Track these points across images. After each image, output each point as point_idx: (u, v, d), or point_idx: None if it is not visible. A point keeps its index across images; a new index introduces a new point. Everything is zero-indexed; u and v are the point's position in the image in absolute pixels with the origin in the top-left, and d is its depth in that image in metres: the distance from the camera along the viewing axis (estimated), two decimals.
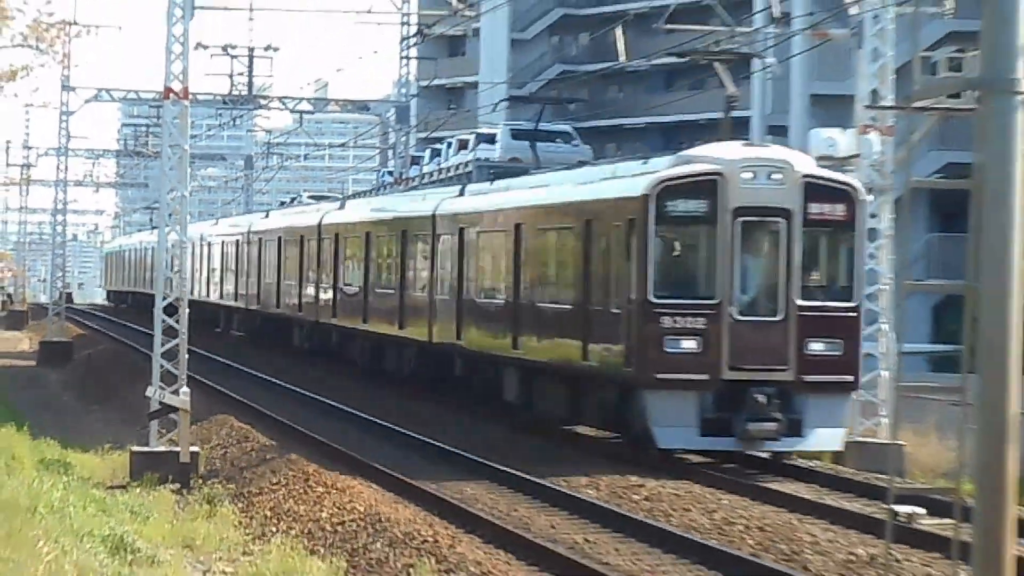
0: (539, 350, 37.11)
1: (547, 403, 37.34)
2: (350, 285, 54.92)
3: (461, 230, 42.79)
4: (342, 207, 63.05)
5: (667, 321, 30.90)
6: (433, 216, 44.87)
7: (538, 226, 38.06)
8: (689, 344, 30.22)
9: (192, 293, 48.64)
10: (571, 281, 35.46)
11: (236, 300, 72.46)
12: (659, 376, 30.59)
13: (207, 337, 60.37)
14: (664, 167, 33.07)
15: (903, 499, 16.72)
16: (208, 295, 77.05)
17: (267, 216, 76.84)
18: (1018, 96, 9.65)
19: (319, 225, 60.12)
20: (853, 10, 33.62)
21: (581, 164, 43.37)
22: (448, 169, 73.67)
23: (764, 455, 31.88)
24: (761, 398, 29.85)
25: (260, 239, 69.69)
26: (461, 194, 46.37)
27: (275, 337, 66.09)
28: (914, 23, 35.82)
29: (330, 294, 56.35)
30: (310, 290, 59.46)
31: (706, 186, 31.77)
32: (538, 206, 37.98)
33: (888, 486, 21.49)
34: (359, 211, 58.91)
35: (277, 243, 66.11)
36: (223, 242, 77.21)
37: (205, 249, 79.33)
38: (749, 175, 31.74)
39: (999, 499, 10.26)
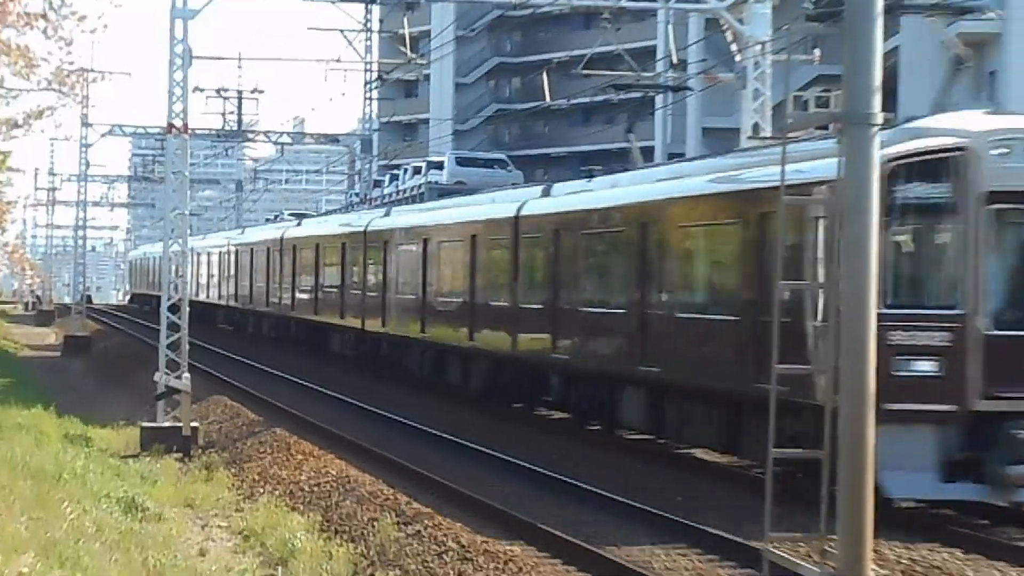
0: (677, 367, 27.19)
1: (691, 431, 27.73)
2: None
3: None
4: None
5: (897, 337, 20.86)
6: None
7: (678, 223, 27.66)
8: (927, 366, 20.40)
9: (192, 294, 48.83)
10: (735, 287, 25.61)
11: (225, 300, 72.96)
12: (889, 407, 17.15)
13: (204, 331, 59.99)
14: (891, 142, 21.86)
15: None
16: (206, 296, 77.22)
17: (243, 232, 77.87)
18: (874, 127, 9.74)
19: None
20: (738, 57, 33.68)
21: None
22: (405, 191, 74.08)
23: (1004, 504, 21.21)
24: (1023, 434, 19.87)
25: (237, 250, 71.25)
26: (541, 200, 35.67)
27: (258, 329, 66.69)
28: (787, 68, 35.60)
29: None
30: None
31: (947, 165, 21.78)
32: (691, 196, 26.84)
33: None
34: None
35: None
36: (213, 253, 77.71)
37: (201, 258, 79.64)
38: (1003, 150, 21.81)
39: None
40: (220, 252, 76.22)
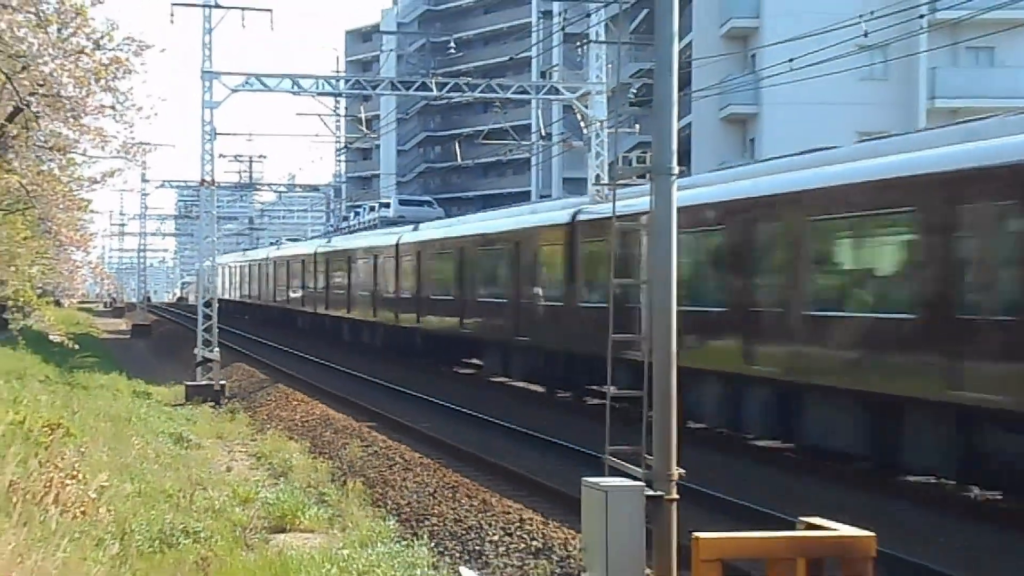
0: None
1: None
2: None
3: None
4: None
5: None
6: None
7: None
8: None
9: (221, 294, 48.66)
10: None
11: (248, 297, 72.39)
12: None
13: (231, 321, 59.31)
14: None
15: None
16: (233, 296, 76.96)
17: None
18: (672, 176, 9.77)
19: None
20: (585, 130, 33.78)
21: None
22: (364, 223, 74.30)
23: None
24: None
25: (249, 265, 70.88)
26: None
27: (266, 319, 66.00)
28: (616, 138, 35.58)
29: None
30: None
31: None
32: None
33: None
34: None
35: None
36: (236, 266, 77.20)
37: (228, 270, 79.23)
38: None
39: None
40: (238, 265, 75.98)
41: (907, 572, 11.11)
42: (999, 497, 14.43)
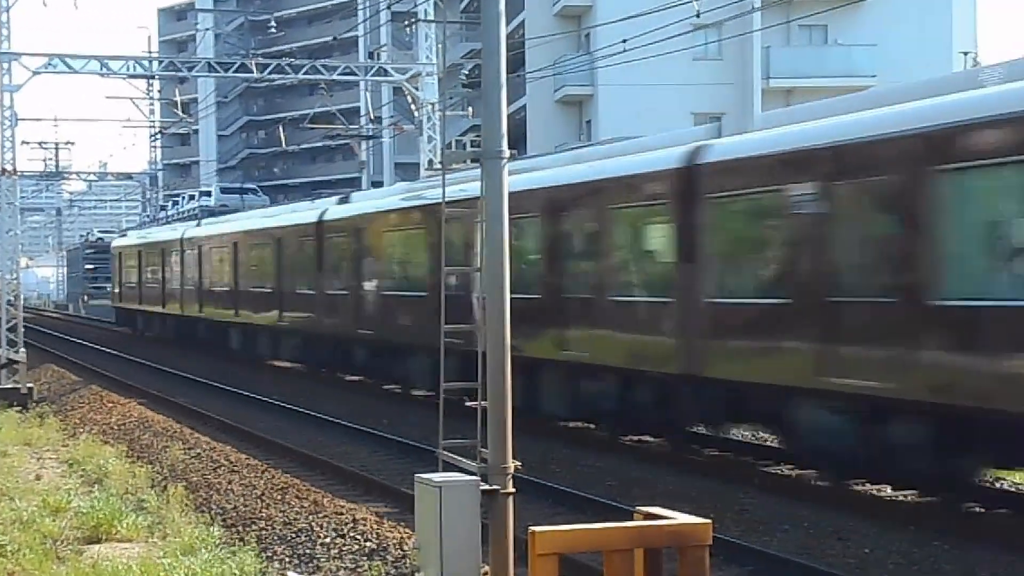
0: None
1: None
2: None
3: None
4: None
5: None
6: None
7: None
8: None
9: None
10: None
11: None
12: None
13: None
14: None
15: None
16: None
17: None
18: (503, 160, 9.86)
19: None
20: (416, 113, 33.81)
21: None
22: (183, 212, 73.02)
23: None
24: None
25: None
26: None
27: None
28: (443, 121, 35.58)
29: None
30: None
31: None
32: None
33: None
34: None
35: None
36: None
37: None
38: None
39: None
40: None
41: (747, 559, 11.46)
42: (847, 483, 14.97)
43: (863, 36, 47.35)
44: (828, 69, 46.63)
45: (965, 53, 46.04)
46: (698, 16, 24.28)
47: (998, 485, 14.90)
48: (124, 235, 53.04)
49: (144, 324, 49.43)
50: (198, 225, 43.61)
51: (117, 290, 54.83)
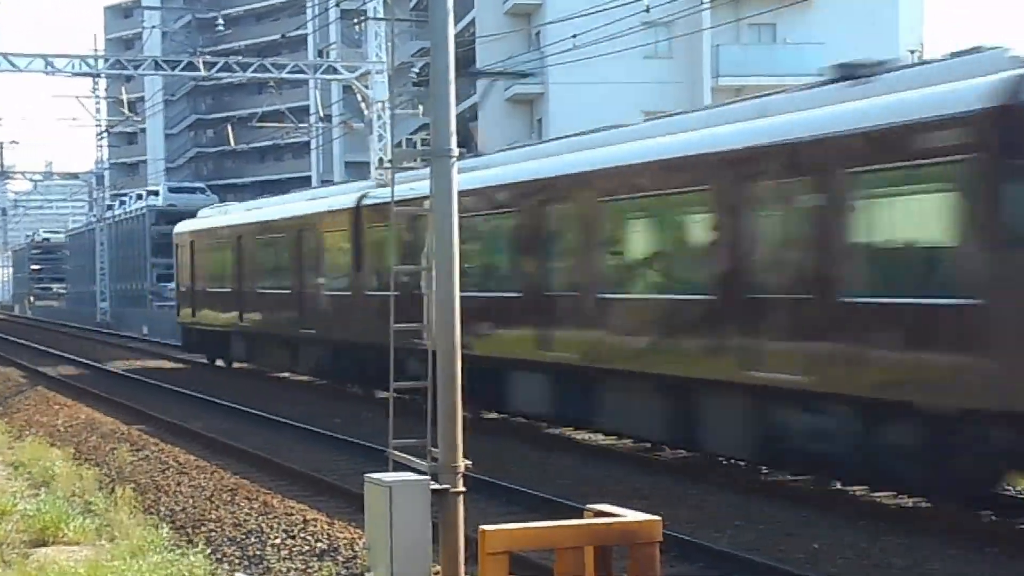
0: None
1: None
2: None
3: None
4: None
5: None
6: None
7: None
8: None
9: None
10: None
11: None
12: None
13: None
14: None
15: None
16: None
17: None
18: (452, 159, 9.86)
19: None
20: (366, 112, 33.75)
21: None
22: (131, 212, 72.58)
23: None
24: None
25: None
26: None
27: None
28: (392, 119, 35.56)
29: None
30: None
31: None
32: None
33: None
34: None
35: None
36: None
37: None
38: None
39: None
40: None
41: (698, 555, 11.53)
42: (794, 478, 15.09)
43: (812, 35, 47.66)
44: (777, 67, 46.90)
45: (912, 51, 46.47)
46: (647, 12, 24.39)
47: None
48: (189, 218, 36.98)
49: (249, 351, 32.77)
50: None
51: (188, 306, 36.33)
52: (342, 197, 26.44)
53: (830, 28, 47.49)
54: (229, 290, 32.12)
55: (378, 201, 23.78)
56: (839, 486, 14.66)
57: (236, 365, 33.99)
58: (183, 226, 37.34)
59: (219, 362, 35.01)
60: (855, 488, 14.46)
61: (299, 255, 27.89)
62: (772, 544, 12.14)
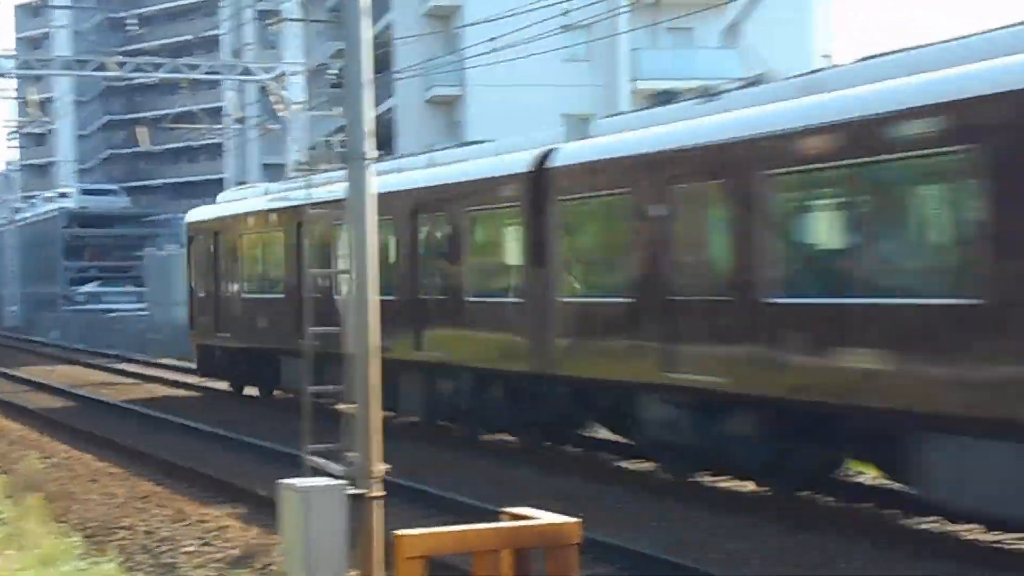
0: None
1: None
2: None
3: None
4: None
5: None
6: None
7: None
8: None
9: None
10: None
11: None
12: None
13: None
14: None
15: None
16: None
17: None
18: (368, 161, 9.81)
19: None
20: (282, 113, 33.54)
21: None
22: (41, 215, 71.63)
23: None
24: None
25: None
26: None
27: None
28: (310, 120, 35.45)
29: None
30: None
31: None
32: None
33: None
34: None
35: None
36: None
37: None
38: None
39: None
40: None
41: (616, 557, 11.56)
42: (718, 481, 15.21)
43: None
44: (695, 71, 47.24)
45: (825, 56, 47.10)
46: (565, 15, 24.45)
47: (860, 479, 15.25)
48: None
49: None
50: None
51: (209, 318, 28.29)
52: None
53: (748, 33, 48.01)
54: (283, 296, 24.50)
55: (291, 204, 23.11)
56: (752, 487, 14.78)
57: (277, 393, 26.51)
58: (200, 213, 29.10)
59: (249, 390, 27.57)
60: (768, 491, 14.59)
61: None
62: (690, 545, 12.21)
